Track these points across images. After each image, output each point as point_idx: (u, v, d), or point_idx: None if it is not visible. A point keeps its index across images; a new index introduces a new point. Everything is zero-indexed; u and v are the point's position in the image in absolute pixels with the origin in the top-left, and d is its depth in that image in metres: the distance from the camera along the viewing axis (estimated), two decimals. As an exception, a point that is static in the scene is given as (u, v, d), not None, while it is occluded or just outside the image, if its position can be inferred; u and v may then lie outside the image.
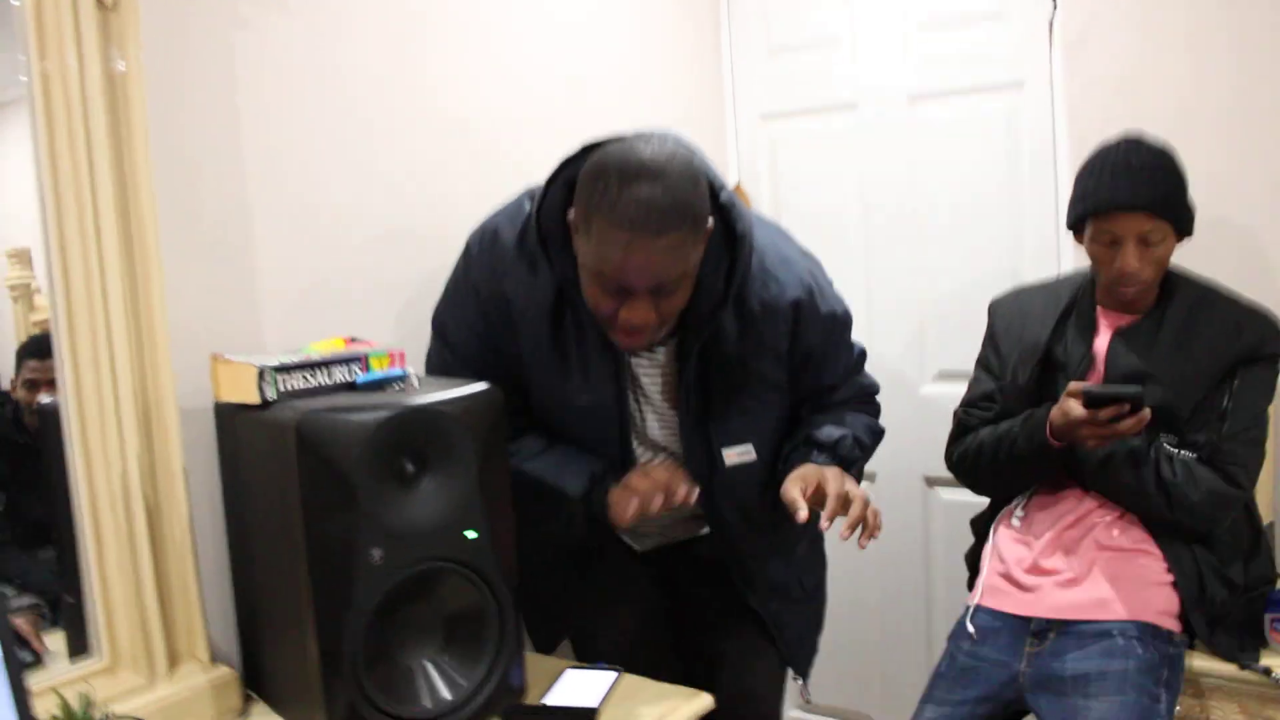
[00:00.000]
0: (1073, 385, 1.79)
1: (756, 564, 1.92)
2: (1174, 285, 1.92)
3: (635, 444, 1.81)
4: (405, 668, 1.53)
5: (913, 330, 2.61)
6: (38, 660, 1.54)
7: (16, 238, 1.57)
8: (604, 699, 1.65)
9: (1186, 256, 1.93)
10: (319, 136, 1.88)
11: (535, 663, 1.77)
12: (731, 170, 2.83)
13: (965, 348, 2.17)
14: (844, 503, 1.65)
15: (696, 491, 1.70)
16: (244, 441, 1.61)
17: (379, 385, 1.58)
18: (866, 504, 1.65)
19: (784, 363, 1.80)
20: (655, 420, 1.82)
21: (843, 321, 1.85)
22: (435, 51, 2.08)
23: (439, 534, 1.51)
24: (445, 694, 1.53)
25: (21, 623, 1.54)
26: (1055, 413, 1.82)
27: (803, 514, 1.63)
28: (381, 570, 1.46)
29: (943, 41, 2.47)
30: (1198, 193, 1.87)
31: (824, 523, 1.64)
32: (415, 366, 1.80)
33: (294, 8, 1.84)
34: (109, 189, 1.53)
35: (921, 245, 2.57)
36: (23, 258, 1.58)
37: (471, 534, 1.54)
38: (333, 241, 1.91)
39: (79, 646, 1.57)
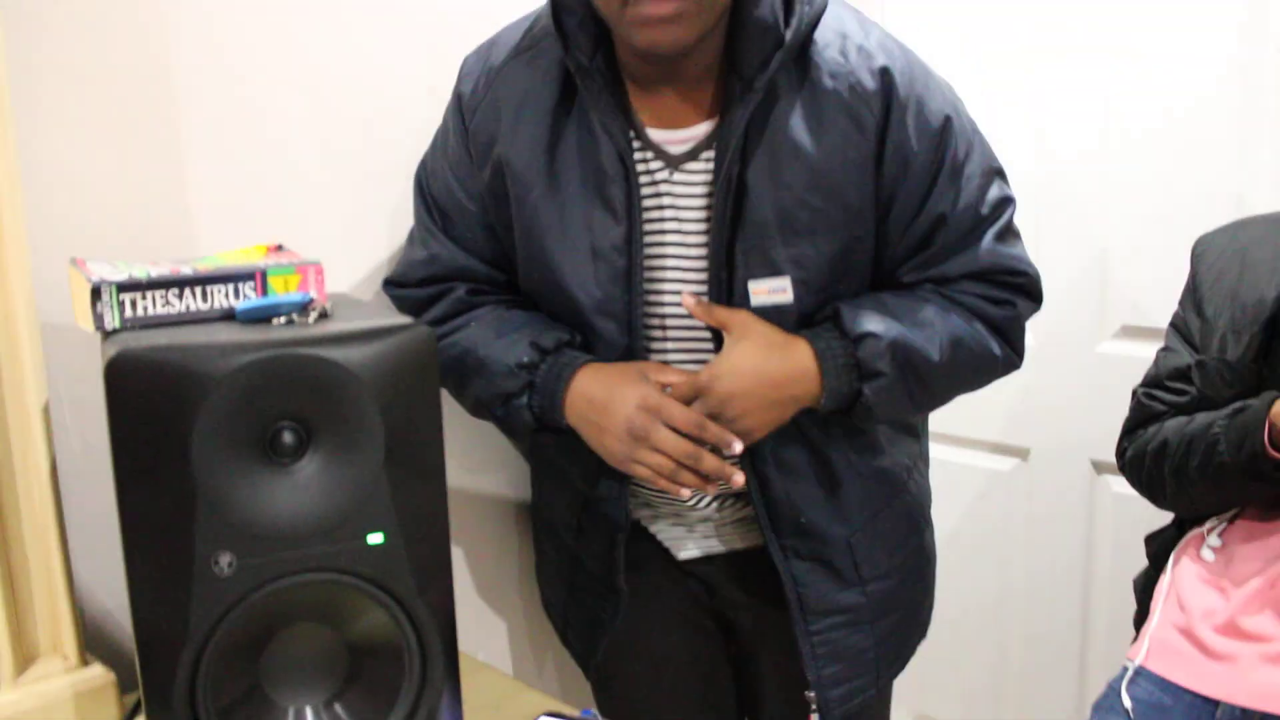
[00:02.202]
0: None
1: (786, 485, 1.40)
2: None
3: (647, 311, 1.36)
4: (281, 715, 1.11)
5: (1090, 267, 2.04)
6: None
7: None
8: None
9: None
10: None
11: (509, 700, 1.35)
12: None
13: (1161, 296, 1.66)
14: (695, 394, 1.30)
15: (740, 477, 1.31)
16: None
17: (265, 315, 1.13)
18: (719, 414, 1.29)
19: (869, 173, 1.30)
20: (679, 271, 1.36)
21: (961, 133, 1.34)
22: None
23: (325, 535, 1.09)
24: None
25: None
26: (1280, 410, 1.27)
27: (689, 301, 1.32)
28: (231, 584, 1.05)
29: None
30: None
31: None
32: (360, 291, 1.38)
33: None
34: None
35: (1110, 149, 1.97)
36: None
37: (376, 537, 1.09)
38: (304, 117, 1.50)
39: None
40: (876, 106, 1.29)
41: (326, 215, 1.52)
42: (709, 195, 1.31)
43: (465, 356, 1.38)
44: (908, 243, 1.35)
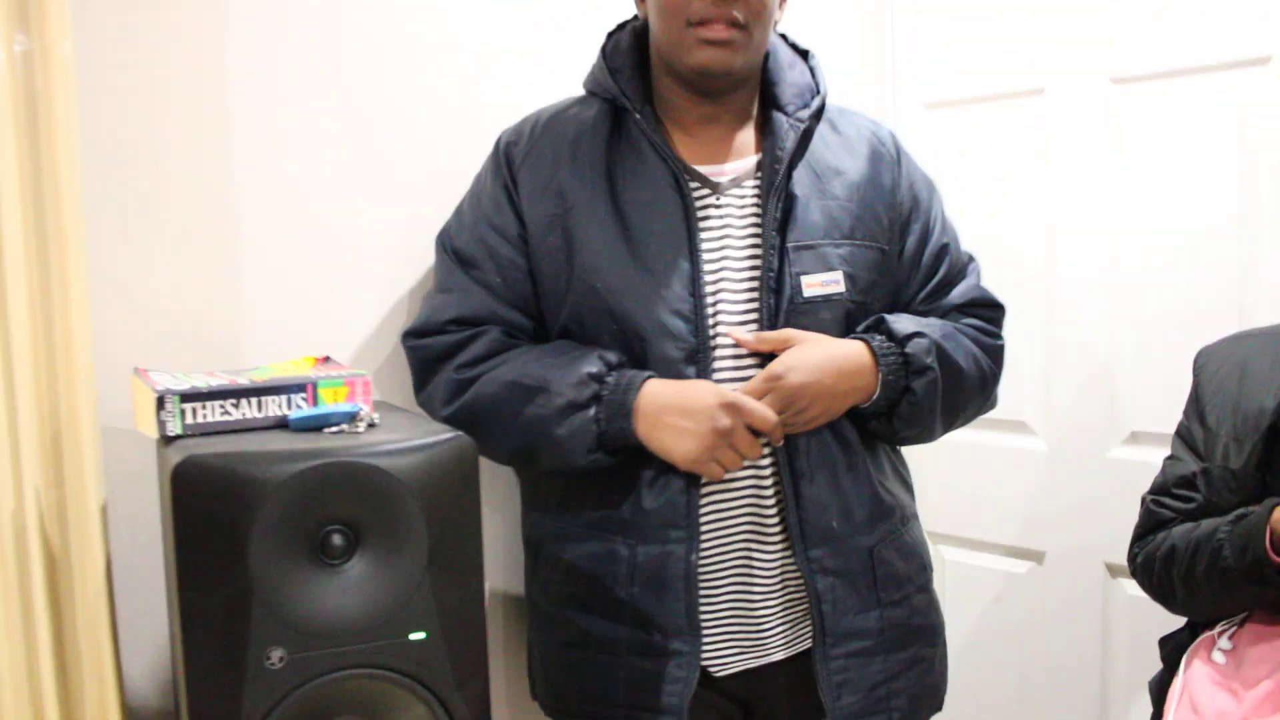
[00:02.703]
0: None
1: (819, 484, 1.46)
2: None
3: (711, 318, 1.44)
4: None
5: (1102, 376, 2.08)
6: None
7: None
8: None
9: None
10: (325, 127, 1.58)
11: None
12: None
13: (1170, 404, 1.66)
14: (770, 388, 1.39)
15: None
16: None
17: (317, 425, 1.20)
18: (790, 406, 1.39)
19: (893, 200, 1.54)
20: (731, 286, 1.46)
21: (939, 198, 1.64)
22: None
23: (371, 632, 1.14)
24: None
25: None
26: (1281, 516, 1.29)
27: (738, 334, 1.43)
28: (281, 678, 1.10)
29: (1158, 4, 1.94)
30: None
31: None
32: (402, 399, 1.44)
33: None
34: (12, 176, 1.22)
35: (1119, 267, 2.04)
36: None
37: (418, 635, 1.15)
38: (345, 237, 1.60)
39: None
40: (892, 152, 1.57)
41: (370, 327, 1.60)
42: (756, 210, 1.46)
43: (521, 379, 1.41)
44: (922, 272, 1.57)
